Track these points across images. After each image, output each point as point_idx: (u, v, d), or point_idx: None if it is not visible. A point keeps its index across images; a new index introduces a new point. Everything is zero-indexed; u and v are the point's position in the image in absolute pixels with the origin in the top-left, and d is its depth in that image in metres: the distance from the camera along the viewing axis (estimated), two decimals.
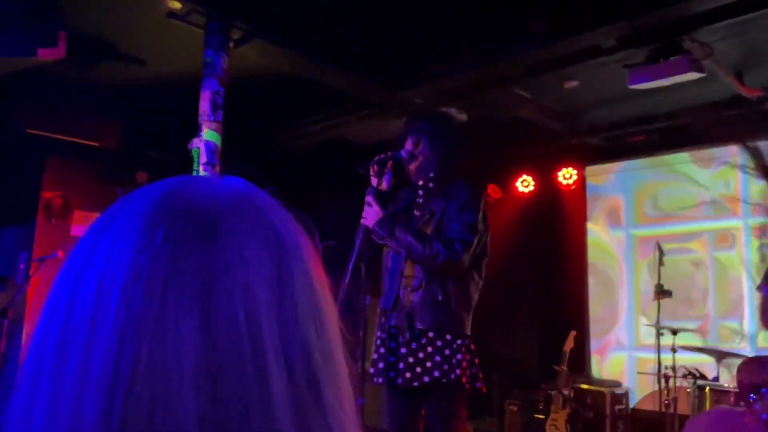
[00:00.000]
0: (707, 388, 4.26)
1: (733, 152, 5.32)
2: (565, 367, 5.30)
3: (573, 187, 6.28)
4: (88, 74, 4.74)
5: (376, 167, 2.74)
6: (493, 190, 6.59)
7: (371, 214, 2.67)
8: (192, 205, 0.49)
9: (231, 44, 3.90)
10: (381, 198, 2.73)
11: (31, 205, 5.59)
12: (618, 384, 5.62)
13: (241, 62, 4.13)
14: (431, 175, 2.81)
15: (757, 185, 5.33)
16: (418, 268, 2.66)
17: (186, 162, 3.76)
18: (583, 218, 6.38)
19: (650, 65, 3.76)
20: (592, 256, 6.35)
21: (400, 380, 2.59)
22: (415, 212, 2.78)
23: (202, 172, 3.60)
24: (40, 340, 0.47)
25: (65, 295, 0.47)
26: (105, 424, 0.42)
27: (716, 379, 4.34)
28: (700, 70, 3.72)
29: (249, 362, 0.45)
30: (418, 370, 2.58)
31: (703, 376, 4.40)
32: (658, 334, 4.74)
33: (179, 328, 0.44)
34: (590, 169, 6.31)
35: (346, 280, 2.53)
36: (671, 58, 3.67)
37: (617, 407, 5.37)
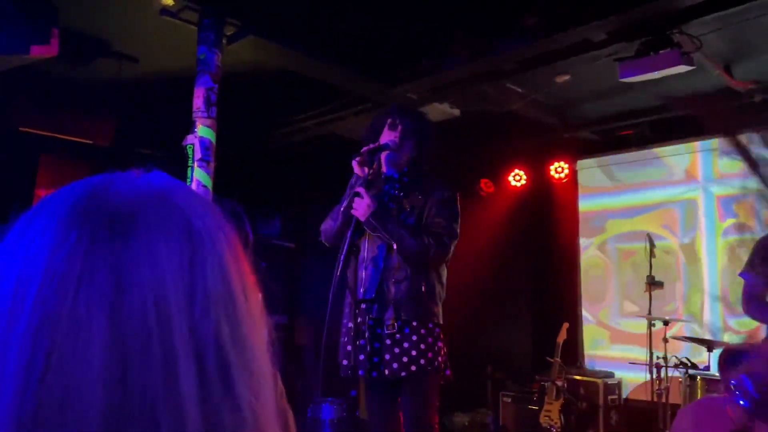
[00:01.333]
0: (698, 377, 4.32)
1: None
2: (558, 359, 5.36)
3: (565, 180, 6.33)
4: (81, 72, 4.73)
5: (364, 158, 2.74)
6: (485, 185, 6.63)
7: (362, 205, 2.66)
8: (107, 205, 0.51)
9: (224, 40, 3.90)
10: (369, 188, 2.72)
11: (24, 204, 5.54)
12: (611, 374, 5.68)
13: (235, 58, 4.14)
14: (405, 169, 2.84)
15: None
16: (400, 259, 2.68)
17: (180, 159, 3.77)
18: (575, 212, 6.43)
19: (641, 59, 3.80)
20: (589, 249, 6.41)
21: (387, 371, 2.61)
22: (390, 204, 2.79)
23: (197, 169, 3.62)
24: None
25: None
26: (18, 413, 0.45)
27: (707, 368, 4.40)
28: (689, 63, 3.76)
29: (157, 356, 0.47)
30: (405, 359, 2.62)
31: (694, 366, 4.46)
32: (650, 325, 4.80)
33: (90, 324, 0.46)
34: (586, 162, 6.36)
35: (338, 272, 2.56)
36: (661, 52, 3.71)
37: (610, 397, 5.43)
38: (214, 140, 3.72)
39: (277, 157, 6.25)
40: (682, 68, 3.74)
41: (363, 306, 2.67)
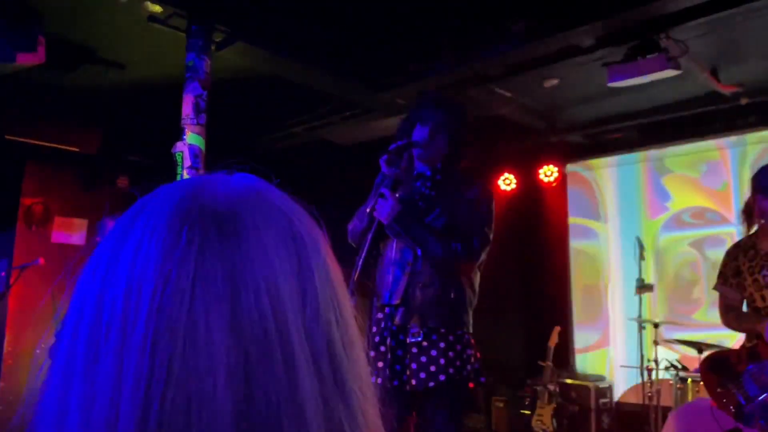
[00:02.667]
0: (689, 380, 4.34)
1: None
2: (550, 363, 5.37)
3: (554, 184, 6.35)
4: (67, 79, 4.70)
5: (391, 156, 2.55)
6: None
7: (386, 207, 2.48)
8: (209, 205, 0.50)
9: (213, 47, 3.89)
10: (395, 189, 2.55)
11: (10, 212, 5.52)
12: (602, 378, 5.70)
13: (224, 65, 4.12)
14: (438, 166, 2.67)
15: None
16: (429, 263, 2.52)
17: (168, 166, 3.75)
18: (565, 215, 6.45)
19: (628, 63, 3.82)
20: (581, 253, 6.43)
21: (414, 381, 2.45)
22: (420, 203, 2.62)
23: (186, 176, 3.59)
24: (70, 343, 0.47)
25: (92, 299, 0.48)
26: (141, 427, 0.43)
27: (698, 371, 4.42)
28: (676, 67, 3.79)
29: (278, 358, 0.46)
30: (433, 368, 2.45)
31: (685, 368, 4.48)
32: (640, 328, 4.82)
33: (210, 329, 0.45)
34: (576, 165, 6.38)
35: (356, 276, 2.40)
36: (648, 56, 3.74)
37: (601, 401, 5.44)
38: (203, 147, 3.70)
39: (266, 163, 6.22)
40: (669, 72, 3.77)
41: (387, 311, 2.53)
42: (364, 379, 0.53)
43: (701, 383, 4.23)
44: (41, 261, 4.60)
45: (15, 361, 5.32)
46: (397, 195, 2.57)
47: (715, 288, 3.21)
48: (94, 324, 0.46)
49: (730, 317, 3.12)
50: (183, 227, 0.48)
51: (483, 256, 2.60)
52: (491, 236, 2.63)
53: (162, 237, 0.48)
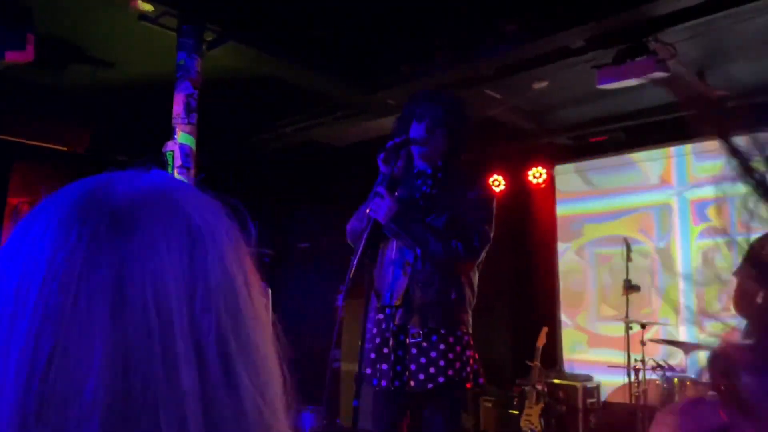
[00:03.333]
0: (675, 379, 4.39)
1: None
2: (537, 363, 5.39)
3: (543, 185, 6.39)
4: (56, 78, 4.67)
5: (388, 154, 2.50)
6: None
7: (383, 207, 2.43)
8: (107, 203, 0.52)
9: (204, 46, 3.88)
10: (393, 188, 2.50)
11: None
12: (589, 378, 5.73)
13: (215, 64, 4.11)
14: (439, 163, 2.60)
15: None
16: (429, 263, 2.48)
17: (158, 165, 3.73)
18: (554, 217, 6.49)
19: (617, 66, 3.86)
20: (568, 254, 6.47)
21: (413, 383, 2.42)
22: (421, 202, 2.56)
23: (177, 175, 3.59)
24: None
25: None
26: (21, 411, 0.45)
27: (684, 370, 4.47)
28: (665, 70, 3.83)
29: (158, 350, 0.47)
30: (432, 370, 2.42)
31: (671, 368, 4.53)
32: (627, 328, 4.86)
33: (91, 319, 0.47)
34: (564, 167, 6.43)
35: (350, 276, 2.37)
36: (637, 59, 3.78)
37: (589, 401, 5.48)
38: (194, 147, 3.70)
39: (258, 164, 6.22)
40: (657, 75, 3.81)
41: (387, 311, 2.49)
42: (265, 375, 0.53)
43: (687, 383, 4.28)
44: None
45: None
46: (396, 194, 2.52)
47: (734, 274, 3.24)
48: None
49: (743, 304, 3.15)
50: (75, 224, 0.50)
51: (482, 255, 2.57)
52: (492, 235, 2.58)
53: (54, 233, 0.50)
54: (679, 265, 5.70)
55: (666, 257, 5.76)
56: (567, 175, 6.45)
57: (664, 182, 5.82)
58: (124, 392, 0.46)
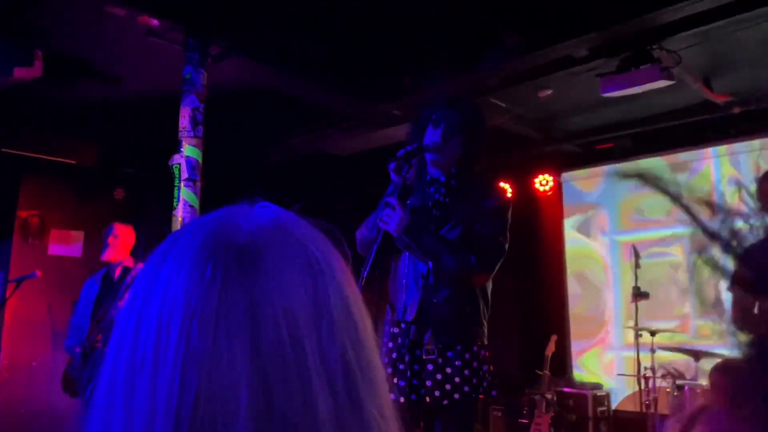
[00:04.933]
0: (686, 387, 4.35)
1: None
2: (547, 371, 5.37)
3: (549, 193, 6.38)
4: (64, 92, 4.71)
5: (399, 163, 2.41)
6: None
7: (395, 218, 2.36)
8: (231, 241, 0.54)
9: (210, 60, 3.91)
10: (404, 198, 2.44)
11: (6, 225, 5.52)
12: (599, 386, 5.70)
13: (221, 78, 4.14)
14: (453, 170, 2.51)
15: (729, 189, 5.47)
16: (443, 277, 2.41)
17: (165, 178, 3.76)
18: (560, 224, 6.48)
19: (621, 74, 3.86)
20: (577, 262, 6.45)
21: (428, 399, 2.37)
22: (434, 211, 2.48)
23: (183, 189, 3.61)
24: (111, 372, 0.52)
25: (130, 330, 0.53)
26: None
27: (695, 378, 4.43)
28: (669, 78, 3.83)
29: (296, 383, 0.50)
30: (448, 387, 2.37)
31: (682, 376, 4.49)
32: (637, 335, 4.83)
33: (232, 357, 0.49)
34: (571, 174, 6.41)
35: (360, 286, 2.27)
36: (642, 67, 3.78)
37: (599, 409, 5.44)
38: (200, 160, 3.72)
39: (264, 176, 6.24)
40: (662, 83, 3.81)
41: (402, 326, 2.42)
42: (382, 398, 0.55)
43: (698, 390, 4.25)
44: (38, 274, 4.59)
45: (11, 374, 5.30)
46: (408, 203, 2.46)
47: (728, 289, 3.22)
48: (131, 356, 0.51)
49: (742, 318, 3.14)
50: (207, 264, 0.52)
51: (496, 268, 2.50)
52: (507, 246, 2.51)
53: (188, 274, 0.52)
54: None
55: (676, 264, 5.73)
56: (574, 182, 6.44)
57: None
58: (267, 419, 0.48)
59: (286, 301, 0.52)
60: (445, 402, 2.36)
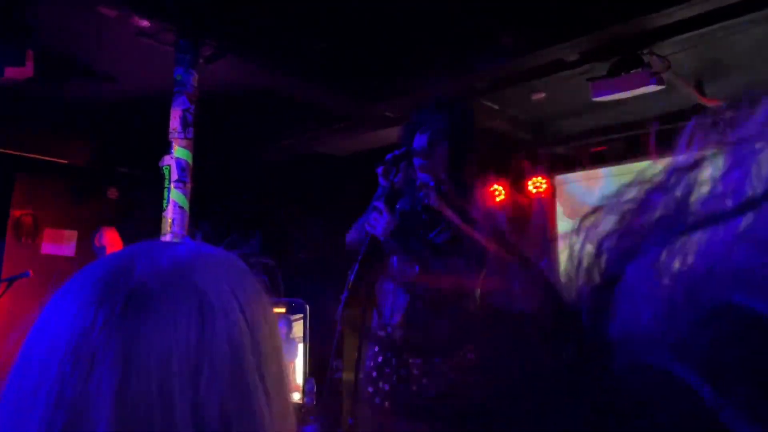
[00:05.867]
0: None
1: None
2: None
3: (543, 195, 6.38)
4: (57, 91, 4.71)
5: (387, 167, 2.42)
6: None
7: (381, 222, 2.36)
8: (125, 285, 0.53)
9: (201, 61, 3.91)
10: (392, 202, 2.44)
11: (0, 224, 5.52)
12: None
13: (213, 78, 4.14)
14: (442, 175, 2.50)
15: None
16: (429, 280, 2.43)
17: (158, 177, 3.76)
18: (554, 226, 6.48)
19: (612, 78, 3.86)
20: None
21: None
22: (423, 215, 2.48)
23: (173, 190, 3.60)
24: (2, 405, 0.53)
25: (21, 363, 0.54)
26: None
27: None
28: (660, 82, 3.83)
29: (159, 426, 0.49)
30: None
31: None
32: None
33: (97, 403, 0.48)
34: (568, 177, 6.42)
35: (346, 294, 2.31)
36: (632, 71, 3.78)
37: None
38: (190, 161, 3.71)
39: (257, 176, 6.24)
40: (652, 88, 3.81)
41: (389, 330, 2.41)
42: None
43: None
44: (31, 273, 4.58)
45: (3, 374, 5.29)
46: (397, 207, 2.46)
47: None
48: (17, 391, 0.52)
49: None
50: (93, 306, 0.52)
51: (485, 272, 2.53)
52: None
53: (76, 314, 0.52)
54: None
55: None
56: (567, 184, 6.44)
57: None
58: None
59: (162, 349, 0.50)
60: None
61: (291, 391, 0.57)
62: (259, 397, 0.54)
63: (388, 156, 2.45)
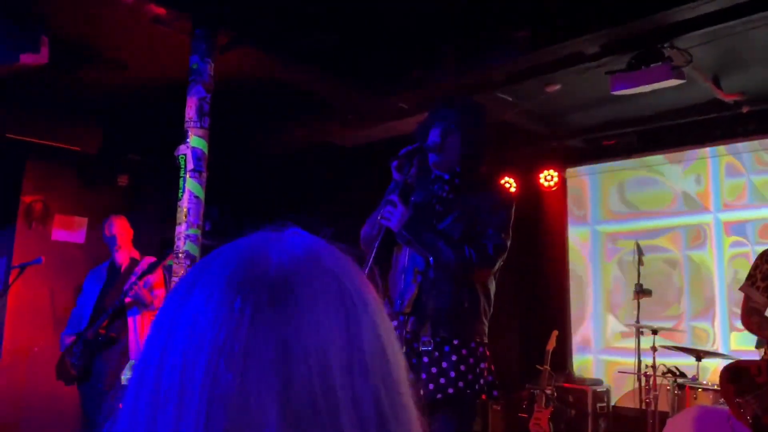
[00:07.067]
0: (687, 386, 4.36)
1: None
2: (547, 367, 5.38)
3: (554, 188, 6.36)
4: (69, 78, 4.69)
5: (401, 161, 2.49)
6: None
7: (396, 215, 2.43)
8: (263, 274, 0.51)
9: (217, 50, 3.88)
10: (405, 195, 2.49)
11: (10, 210, 5.51)
12: (599, 382, 5.72)
13: (228, 68, 4.11)
14: (457, 169, 2.58)
15: (728, 182, 5.46)
16: (441, 271, 2.44)
17: (168, 165, 3.75)
18: (564, 219, 6.46)
19: (632, 72, 3.83)
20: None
21: (422, 392, 2.37)
22: (437, 207, 2.55)
23: (189, 179, 3.59)
24: (132, 406, 0.49)
25: (153, 364, 0.49)
26: None
27: (695, 378, 4.44)
28: (680, 76, 3.80)
29: (327, 426, 0.47)
30: (442, 381, 2.38)
31: (683, 375, 4.50)
32: (638, 333, 4.83)
33: (261, 399, 0.46)
34: (580, 169, 6.40)
35: None
36: (652, 65, 3.74)
37: (599, 405, 5.46)
38: (206, 150, 3.69)
39: (270, 166, 6.22)
40: (672, 82, 3.78)
41: (401, 318, 2.44)
42: (411, 428, 0.53)
43: (699, 390, 4.26)
44: (43, 260, 4.59)
45: (12, 359, 5.31)
46: (411, 200, 2.51)
47: (741, 289, 3.27)
48: (154, 391, 0.48)
49: (753, 321, 3.19)
50: (237, 297, 0.49)
51: (499, 263, 2.53)
52: (508, 243, 2.54)
53: (217, 307, 0.49)
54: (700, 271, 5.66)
55: (672, 263, 5.72)
56: (579, 177, 6.42)
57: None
58: None
59: (318, 341, 0.49)
60: (439, 396, 2.37)
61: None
62: (405, 389, 0.53)
63: (402, 150, 2.50)
